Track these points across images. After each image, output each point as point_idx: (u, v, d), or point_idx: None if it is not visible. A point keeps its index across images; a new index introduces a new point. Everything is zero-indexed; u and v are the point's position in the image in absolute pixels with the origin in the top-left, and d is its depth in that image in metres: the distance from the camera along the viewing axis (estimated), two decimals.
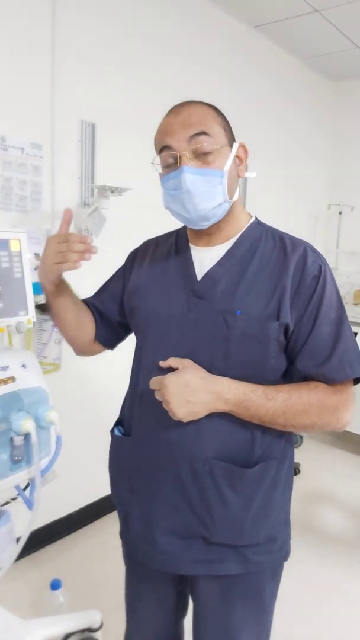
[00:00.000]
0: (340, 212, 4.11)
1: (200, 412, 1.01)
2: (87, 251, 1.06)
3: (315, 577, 2.35)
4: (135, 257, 1.29)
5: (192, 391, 0.99)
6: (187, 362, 1.04)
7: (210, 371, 1.04)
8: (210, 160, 1.02)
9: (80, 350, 1.34)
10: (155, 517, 1.12)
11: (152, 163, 1.09)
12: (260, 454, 1.07)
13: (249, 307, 1.03)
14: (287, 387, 1.03)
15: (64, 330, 1.28)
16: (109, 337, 1.31)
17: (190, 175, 1.01)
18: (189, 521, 1.08)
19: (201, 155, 1.02)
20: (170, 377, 1.00)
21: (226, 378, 1.02)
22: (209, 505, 1.06)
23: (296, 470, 3.35)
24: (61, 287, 1.19)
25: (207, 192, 1.02)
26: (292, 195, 3.96)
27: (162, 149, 1.05)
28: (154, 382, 1.02)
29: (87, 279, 2.38)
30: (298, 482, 3.26)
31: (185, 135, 1.01)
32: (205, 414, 1.02)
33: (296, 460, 3.41)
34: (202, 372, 1.03)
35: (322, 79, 4.10)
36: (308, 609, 2.15)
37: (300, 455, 3.58)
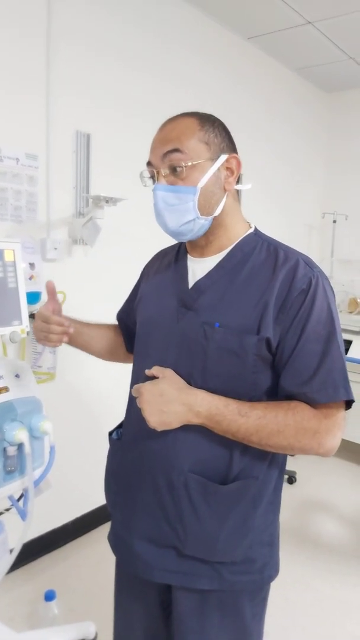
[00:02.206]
0: (334, 221, 4.13)
1: (172, 422, 1.01)
2: (64, 334, 1.20)
3: (311, 585, 2.34)
4: (147, 267, 1.33)
5: (166, 401, 1.00)
6: (168, 372, 1.05)
7: (189, 382, 1.04)
8: (183, 176, 1.03)
9: (124, 362, 1.43)
10: (133, 522, 1.14)
11: (140, 176, 1.12)
12: (238, 472, 1.05)
13: (228, 320, 1.02)
14: (263, 405, 1.00)
15: (100, 357, 1.41)
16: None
17: (161, 193, 1.04)
18: (163, 530, 1.09)
19: (175, 172, 1.03)
20: (146, 386, 1.02)
21: (201, 391, 1.02)
22: (182, 517, 1.06)
23: (292, 479, 3.34)
24: (71, 334, 1.26)
25: (176, 209, 1.04)
26: (287, 204, 3.98)
27: (147, 164, 1.08)
28: (135, 389, 1.04)
29: (82, 286, 2.38)
30: (294, 491, 3.25)
31: (160, 152, 1.04)
32: (178, 425, 1.01)
33: (292, 468, 3.41)
34: (179, 383, 1.03)
35: (316, 90, 4.14)
36: (304, 618, 2.14)
37: (296, 463, 3.57)
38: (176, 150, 1.02)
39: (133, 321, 1.30)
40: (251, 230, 1.13)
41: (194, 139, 1.03)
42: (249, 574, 1.10)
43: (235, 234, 1.11)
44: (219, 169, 1.05)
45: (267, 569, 1.14)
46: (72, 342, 1.31)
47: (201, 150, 1.03)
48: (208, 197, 1.05)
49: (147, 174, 1.09)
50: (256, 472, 1.07)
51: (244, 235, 1.12)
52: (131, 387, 1.20)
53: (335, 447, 1.00)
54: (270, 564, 1.15)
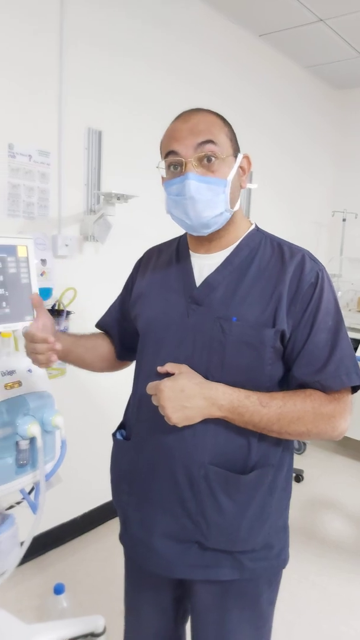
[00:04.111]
0: (344, 219, 4.11)
1: (195, 417, 1.02)
2: (51, 351, 1.10)
3: (317, 584, 2.35)
4: (139, 267, 1.31)
5: (188, 397, 1.00)
6: (184, 368, 1.05)
7: (206, 377, 1.05)
8: (215, 168, 1.04)
9: (112, 370, 1.41)
10: (152, 521, 1.13)
11: (157, 167, 1.11)
12: (256, 461, 1.07)
13: (245, 314, 1.04)
14: (281, 395, 1.03)
15: (91, 370, 1.37)
16: (126, 353, 1.35)
17: (195, 182, 1.02)
18: (185, 525, 1.09)
19: (206, 163, 1.03)
20: (166, 382, 1.01)
21: (221, 384, 1.03)
22: (204, 510, 1.07)
23: (299, 477, 3.34)
24: (64, 350, 1.19)
25: (210, 200, 1.04)
26: (296, 202, 3.97)
27: (168, 154, 1.06)
28: (151, 387, 1.04)
29: (93, 282, 2.40)
30: (301, 489, 3.26)
31: (193, 143, 1.02)
32: (200, 419, 1.03)
33: (299, 467, 3.42)
34: (198, 378, 1.04)
35: (326, 87, 4.13)
36: (309, 616, 2.15)
37: (303, 462, 3.57)
38: (210, 141, 1.02)
39: (130, 324, 1.28)
40: (253, 227, 1.16)
41: (222, 133, 1.05)
42: (267, 560, 1.12)
43: (240, 230, 1.14)
44: (238, 166, 1.08)
45: (283, 553, 1.17)
46: (66, 358, 1.25)
47: (228, 145, 1.06)
48: (234, 191, 1.07)
49: (162, 165, 1.08)
50: (272, 459, 1.09)
51: (248, 231, 1.14)
52: (136, 387, 1.21)
53: (346, 430, 1.05)
54: (285, 548, 1.18)
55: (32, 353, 1.12)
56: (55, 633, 1.55)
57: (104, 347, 1.35)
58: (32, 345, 1.11)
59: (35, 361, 1.13)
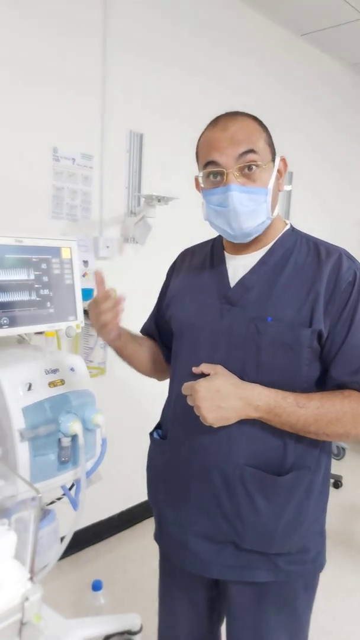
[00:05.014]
0: None
1: (230, 418, 1.01)
2: (115, 306, 1.10)
3: (355, 593, 2.30)
4: (174, 269, 1.32)
5: (223, 397, 1.00)
6: (219, 369, 1.05)
7: (242, 378, 1.05)
8: (256, 177, 1.03)
9: (162, 375, 1.39)
10: (187, 520, 1.13)
11: (196, 177, 1.11)
12: (292, 462, 1.06)
13: (280, 314, 1.03)
14: (319, 395, 1.02)
15: (143, 371, 1.36)
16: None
17: (237, 194, 1.02)
18: (220, 526, 1.09)
19: (247, 172, 1.02)
20: (201, 383, 1.01)
21: (257, 385, 1.02)
22: (240, 511, 1.07)
23: (338, 483, 3.28)
24: (124, 339, 1.24)
25: (252, 211, 1.03)
26: (338, 203, 3.91)
27: (208, 163, 1.05)
28: (186, 388, 1.04)
29: (132, 284, 2.42)
30: (340, 495, 3.20)
31: (234, 153, 1.01)
32: (236, 420, 1.02)
33: (339, 472, 3.35)
34: (233, 378, 1.04)
35: None
36: (348, 626, 2.11)
37: (342, 467, 3.50)
38: (252, 151, 1.01)
39: (169, 326, 1.28)
40: (288, 227, 1.15)
41: (261, 140, 1.04)
42: (303, 564, 1.11)
43: (276, 230, 1.13)
44: (277, 170, 1.07)
45: (320, 558, 1.15)
46: (123, 350, 1.27)
47: (267, 151, 1.05)
48: (274, 197, 1.07)
49: (202, 175, 1.08)
50: (309, 461, 1.08)
51: (283, 231, 1.13)
52: (171, 387, 1.22)
53: None
54: (322, 552, 1.16)
55: (96, 320, 1.11)
56: (92, 629, 1.57)
57: (153, 348, 1.35)
58: (96, 309, 1.10)
59: (100, 327, 1.12)
